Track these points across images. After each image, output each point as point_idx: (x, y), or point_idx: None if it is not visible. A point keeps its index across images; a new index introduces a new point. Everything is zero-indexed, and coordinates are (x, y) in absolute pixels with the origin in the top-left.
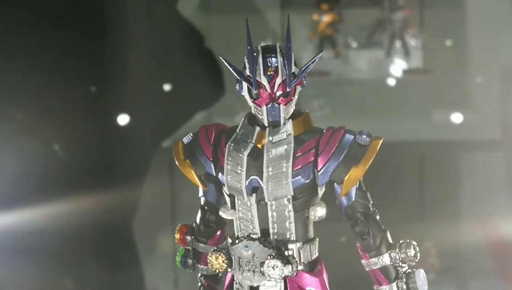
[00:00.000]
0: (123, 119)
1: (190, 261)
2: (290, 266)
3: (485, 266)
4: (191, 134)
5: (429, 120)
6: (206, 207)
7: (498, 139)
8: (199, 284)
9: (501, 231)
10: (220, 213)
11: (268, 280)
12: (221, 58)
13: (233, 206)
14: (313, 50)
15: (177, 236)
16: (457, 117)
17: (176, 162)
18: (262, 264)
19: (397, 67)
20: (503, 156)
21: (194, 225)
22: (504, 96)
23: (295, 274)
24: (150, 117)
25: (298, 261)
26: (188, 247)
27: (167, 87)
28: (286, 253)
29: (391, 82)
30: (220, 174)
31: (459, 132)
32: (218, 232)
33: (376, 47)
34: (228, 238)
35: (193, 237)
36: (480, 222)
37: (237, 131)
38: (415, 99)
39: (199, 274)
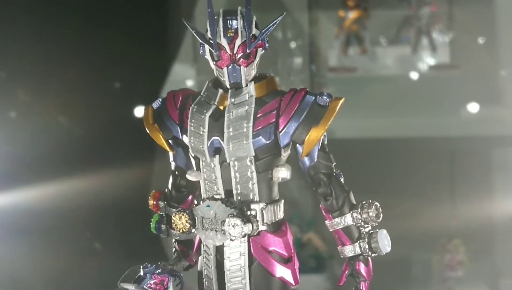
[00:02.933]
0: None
1: (163, 226)
2: (250, 224)
3: None
4: (160, 99)
5: (458, 115)
6: (176, 172)
7: None
8: (173, 249)
9: None
10: (187, 176)
11: (230, 239)
12: (183, 21)
13: (198, 168)
14: (339, 47)
15: (151, 202)
16: (486, 113)
17: (145, 127)
18: (223, 223)
19: (424, 63)
20: None
21: (166, 190)
22: None
23: (256, 233)
24: None
25: (259, 221)
26: (161, 213)
27: None
28: (248, 212)
29: (419, 78)
30: (184, 136)
31: (489, 127)
32: (190, 197)
33: (403, 43)
34: (195, 201)
35: (165, 202)
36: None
37: (201, 94)
38: (443, 95)
39: (173, 240)
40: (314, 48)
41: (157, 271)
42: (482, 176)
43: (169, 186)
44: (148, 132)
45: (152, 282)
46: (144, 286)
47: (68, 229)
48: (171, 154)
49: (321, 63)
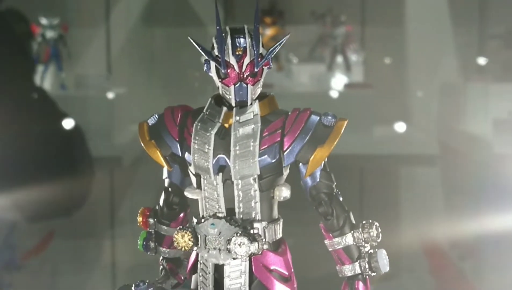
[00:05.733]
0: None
1: (152, 244)
2: (256, 243)
3: (422, 277)
4: (157, 115)
5: (370, 134)
6: (170, 189)
7: (436, 154)
8: (161, 267)
9: (437, 244)
10: (186, 193)
11: (234, 258)
12: (189, 38)
13: (199, 186)
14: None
15: (140, 219)
16: (396, 132)
17: (141, 143)
18: (228, 241)
19: (339, 81)
20: (440, 170)
21: (157, 207)
22: (442, 112)
23: (261, 252)
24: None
25: (264, 239)
26: (150, 230)
27: None
28: (252, 231)
29: (333, 95)
30: (186, 153)
31: (399, 146)
32: (181, 215)
33: (318, 61)
34: (193, 218)
35: (155, 219)
36: (417, 235)
37: (204, 111)
38: (356, 112)
39: (161, 258)
40: None
41: None
42: (390, 193)
43: (161, 203)
44: (144, 148)
45: None
46: None
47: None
48: (165, 170)
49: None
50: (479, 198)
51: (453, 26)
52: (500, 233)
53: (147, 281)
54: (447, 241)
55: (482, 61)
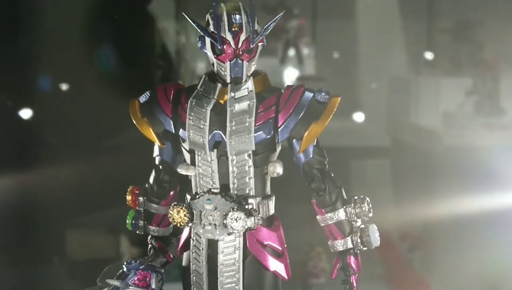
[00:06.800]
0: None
1: (141, 222)
2: (252, 218)
3: (373, 271)
4: (148, 93)
5: None
6: (160, 167)
7: (388, 146)
8: (149, 246)
9: (387, 238)
10: (179, 170)
11: (230, 233)
12: (183, 14)
13: (193, 163)
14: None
15: (129, 197)
16: (348, 124)
17: (133, 120)
18: (225, 216)
19: (291, 74)
20: (391, 163)
21: (147, 185)
22: (393, 105)
23: (256, 227)
24: None
25: (259, 214)
26: (139, 209)
27: None
28: (247, 206)
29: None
30: (181, 130)
31: (350, 138)
32: (172, 193)
33: (270, 54)
34: (187, 195)
35: (145, 198)
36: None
37: (198, 88)
38: None
39: (149, 237)
40: (181, 58)
41: (141, 267)
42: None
43: (151, 181)
44: (136, 125)
45: (135, 278)
46: (129, 282)
47: None
48: (156, 148)
49: (188, 73)
50: (430, 190)
51: (402, 20)
52: (450, 222)
53: (138, 259)
54: (397, 232)
55: (430, 55)
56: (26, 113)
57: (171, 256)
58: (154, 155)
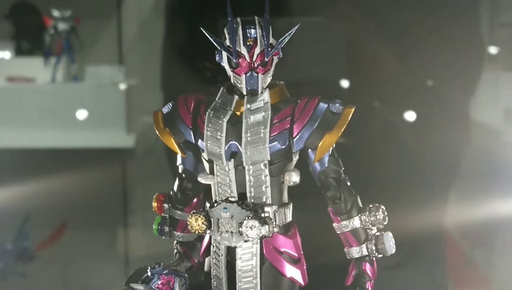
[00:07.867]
0: None
1: (166, 228)
2: (267, 226)
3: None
4: (171, 104)
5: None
6: (183, 175)
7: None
8: (175, 251)
9: (448, 236)
10: (199, 178)
11: (245, 241)
12: (201, 29)
13: (211, 172)
14: None
15: (155, 204)
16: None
17: (156, 131)
18: (240, 224)
19: None
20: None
21: (171, 193)
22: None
23: (271, 234)
24: None
25: (274, 223)
26: (165, 215)
27: None
28: (262, 215)
29: None
30: (199, 140)
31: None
32: (195, 200)
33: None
34: (206, 202)
35: (170, 204)
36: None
37: (216, 100)
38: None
39: (175, 242)
40: None
41: (164, 272)
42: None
43: (175, 188)
44: (159, 135)
45: (159, 282)
46: (153, 286)
47: None
48: (179, 157)
49: None
50: (490, 187)
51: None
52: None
53: (162, 263)
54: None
55: (494, 49)
56: None
57: (196, 261)
58: (177, 164)
